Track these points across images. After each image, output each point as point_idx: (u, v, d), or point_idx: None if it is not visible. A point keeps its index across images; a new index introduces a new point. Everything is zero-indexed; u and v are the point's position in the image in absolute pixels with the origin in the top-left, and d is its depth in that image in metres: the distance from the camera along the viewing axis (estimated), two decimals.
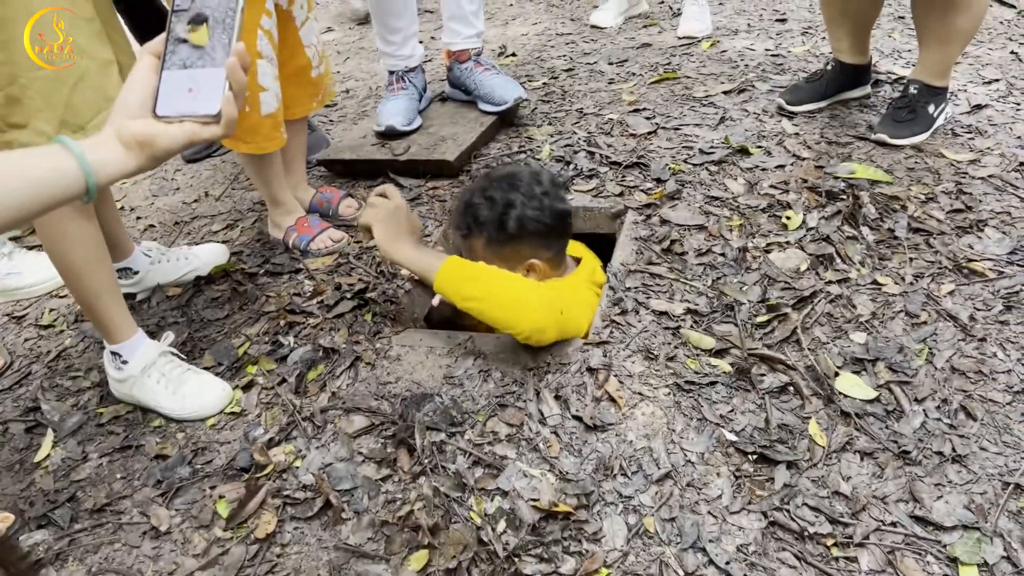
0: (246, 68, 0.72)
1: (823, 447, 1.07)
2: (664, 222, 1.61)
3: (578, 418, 1.15)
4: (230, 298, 1.61)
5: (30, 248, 1.95)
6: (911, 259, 1.44)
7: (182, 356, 1.38)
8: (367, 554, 1.01)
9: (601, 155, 1.93)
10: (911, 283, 1.38)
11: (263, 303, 1.56)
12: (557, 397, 1.20)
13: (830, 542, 0.95)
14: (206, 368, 1.38)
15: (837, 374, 1.19)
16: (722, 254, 1.49)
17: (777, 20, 2.94)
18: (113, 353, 1.31)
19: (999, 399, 1.13)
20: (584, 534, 0.99)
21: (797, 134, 1.93)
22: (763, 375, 1.21)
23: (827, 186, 1.65)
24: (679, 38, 2.82)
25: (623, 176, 1.82)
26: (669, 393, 1.19)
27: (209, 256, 1.72)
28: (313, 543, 1.04)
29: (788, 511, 0.99)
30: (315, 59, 1.73)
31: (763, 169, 1.77)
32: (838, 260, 1.45)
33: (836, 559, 0.93)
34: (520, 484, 1.06)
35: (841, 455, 1.07)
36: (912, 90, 1.83)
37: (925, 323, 1.29)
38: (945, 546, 0.93)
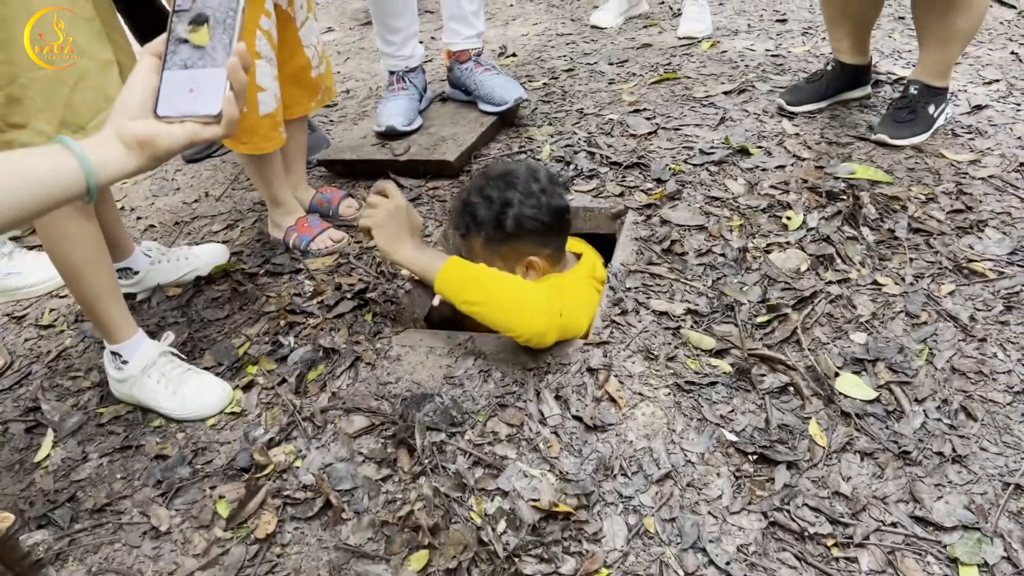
0: (247, 68, 0.72)
1: (823, 447, 1.07)
2: (664, 222, 1.61)
3: (578, 418, 1.15)
4: (230, 298, 1.61)
5: (30, 248, 1.95)
6: (911, 259, 1.44)
7: (182, 356, 1.38)
8: (367, 554, 1.01)
9: (601, 155, 1.93)
10: (911, 283, 1.38)
11: (263, 303, 1.56)
12: (557, 397, 1.20)
13: (830, 542, 0.95)
14: (206, 368, 1.38)
15: (837, 374, 1.19)
16: (722, 254, 1.49)
17: (777, 20, 2.94)
18: (113, 353, 1.31)
19: (999, 399, 1.13)
20: (584, 534, 0.99)
21: (797, 134, 1.93)
22: (763, 375, 1.21)
23: (827, 186, 1.65)
24: (679, 38, 2.82)
25: (623, 176, 1.82)
26: (669, 393, 1.19)
27: (209, 256, 1.72)
28: (313, 543, 1.04)
29: (788, 511, 0.99)
30: (315, 59, 1.73)
31: (763, 169, 1.77)
32: (838, 260, 1.45)
33: (836, 559, 0.93)
34: (520, 484, 1.06)
35: (841, 455, 1.07)
36: (912, 90, 1.83)
37: (925, 323, 1.29)
38: (945, 546, 0.93)
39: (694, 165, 1.82)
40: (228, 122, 0.71)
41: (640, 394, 1.19)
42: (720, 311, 1.35)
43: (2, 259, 1.80)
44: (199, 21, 0.72)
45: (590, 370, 1.23)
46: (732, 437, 1.10)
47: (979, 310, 1.30)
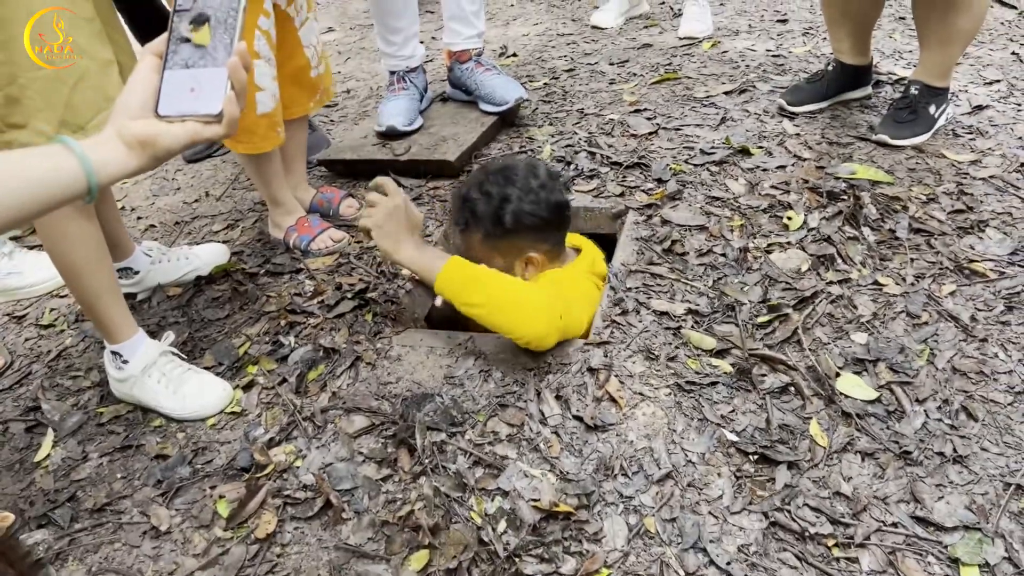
0: (248, 68, 0.72)
1: (824, 447, 1.07)
2: (665, 222, 1.61)
3: (579, 418, 1.15)
4: (231, 298, 1.61)
5: (30, 248, 1.95)
6: (912, 259, 1.44)
7: (182, 356, 1.38)
8: (367, 554, 1.01)
9: (602, 155, 1.93)
10: (912, 283, 1.38)
11: (264, 303, 1.56)
12: (558, 397, 1.19)
13: (831, 542, 0.95)
14: (206, 368, 1.38)
15: (838, 374, 1.19)
16: (723, 254, 1.49)
17: (778, 21, 2.94)
18: (113, 353, 1.31)
19: (1000, 400, 1.13)
20: (585, 534, 0.99)
21: (798, 134, 1.93)
22: (764, 375, 1.21)
23: (828, 186, 1.65)
24: (680, 39, 2.82)
25: (624, 176, 1.82)
26: (670, 393, 1.19)
27: (210, 256, 1.72)
28: (313, 543, 1.04)
29: (789, 511, 0.99)
30: (314, 59, 1.73)
31: (764, 169, 1.77)
32: (839, 260, 1.45)
33: (837, 559, 0.93)
34: (521, 484, 1.06)
35: (842, 455, 1.07)
36: (913, 91, 1.83)
37: (926, 324, 1.29)
38: (946, 547, 0.93)
39: (695, 165, 1.82)
40: (229, 121, 0.71)
41: (641, 394, 1.19)
42: (721, 311, 1.35)
43: (2, 259, 1.80)
44: (200, 20, 0.72)
45: (591, 370, 1.23)
46: (733, 437, 1.10)
47: (980, 310, 1.30)
